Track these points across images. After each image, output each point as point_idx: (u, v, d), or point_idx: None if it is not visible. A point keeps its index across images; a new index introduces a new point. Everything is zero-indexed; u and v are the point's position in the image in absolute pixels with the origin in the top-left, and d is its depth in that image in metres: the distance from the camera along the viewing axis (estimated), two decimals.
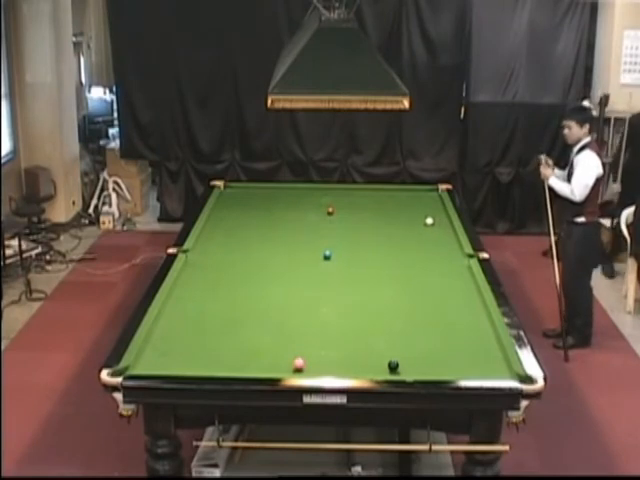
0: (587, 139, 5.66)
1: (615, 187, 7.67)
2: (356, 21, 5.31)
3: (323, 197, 6.12)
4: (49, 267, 7.30)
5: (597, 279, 6.14)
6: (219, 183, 6.48)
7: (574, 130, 5.63)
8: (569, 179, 5.67)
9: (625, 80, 7.83)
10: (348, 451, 4.28)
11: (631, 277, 6.53)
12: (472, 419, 3.51)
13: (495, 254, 5.13)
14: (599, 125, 7.62)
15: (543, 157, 5.88)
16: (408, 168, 8.38)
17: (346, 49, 4.76)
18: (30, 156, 8.00)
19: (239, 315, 4.15)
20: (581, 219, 5.65)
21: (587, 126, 5.65)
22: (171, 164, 8.53)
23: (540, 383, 3.41)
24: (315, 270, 4.77)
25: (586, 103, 7.84)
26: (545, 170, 5.76)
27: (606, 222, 7.31)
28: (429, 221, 5.59)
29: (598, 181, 5.63)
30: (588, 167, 5.56)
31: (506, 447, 3.51)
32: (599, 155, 5.71)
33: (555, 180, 5.71)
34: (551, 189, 5.73)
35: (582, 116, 5.71)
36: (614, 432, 4.83)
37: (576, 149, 5.67)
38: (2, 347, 5.76)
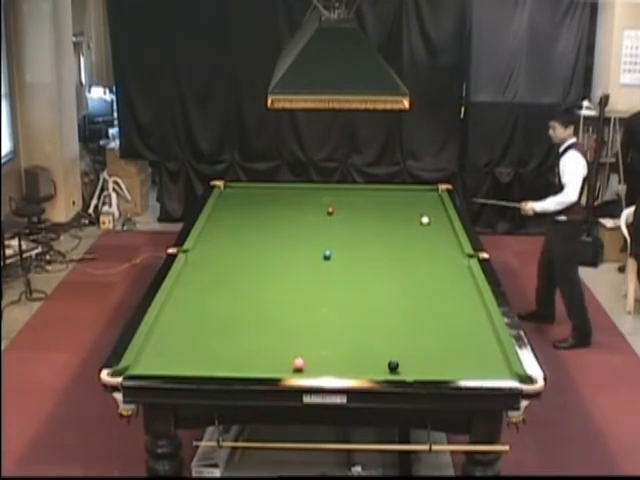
0: (572, 140, 5.75)
1: (620, 188, 7.66)
2: (356, 21, 5.31)
3: (323, 197, 6.12)
4: (49, 267, 7.30)
5: (597, 278, 6.13)
6: (219, 183, 6.48)
7: (558, 131, 5.72)
8: (558, 179, 5.75)
9: (625, 80, 7.82)
10: (348, 451, 4.28)
11: (631, 277, 6.53)
12: (472, 419, 3.51)
13: (495, 254, 5.14)
14: (599, 125, 7.62)
15: (521, 206, 5.86)
16: (408, 168, 8.38)
17: (346, 49, 4.76)
18: (30, 156, 7.99)
19: (239, 315, 4.15)
20: (563, 217, 5.71)
21: (571, 127, 5.76)
22: (171, 164, 8.53)
23: (540, 383, 3.41)
24: (315, 270, 4.77)
25: (586, 103, 7.85)
26: (526, 207, 5.79)
27: (606, 222, 7.31)
28: (425, 220, 5.59)
29: (583, 181, 5.72)
30: (576, 166, 5.65)
31: (506, 447, 3.51)
32: (584, 155, 5.79)
33: (539, 204, 5.75)
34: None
35: (566, 117, 5.81)
36: (614, 432, 4.83)
37: (561, 150, 5.75)
38: (2, 347, 5.76)
